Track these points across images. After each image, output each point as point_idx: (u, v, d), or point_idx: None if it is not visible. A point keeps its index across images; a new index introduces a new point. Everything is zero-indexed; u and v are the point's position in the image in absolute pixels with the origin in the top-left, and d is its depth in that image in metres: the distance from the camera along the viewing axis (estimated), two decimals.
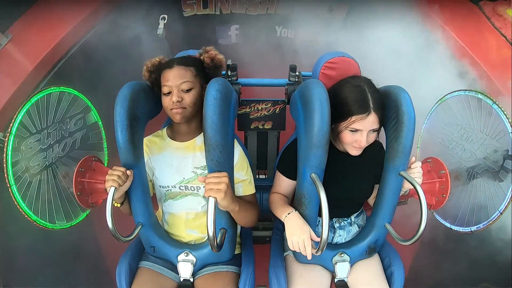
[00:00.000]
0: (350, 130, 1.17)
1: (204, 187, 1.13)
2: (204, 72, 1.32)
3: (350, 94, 1.16)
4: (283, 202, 1.29)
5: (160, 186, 1.36)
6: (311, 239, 1.15)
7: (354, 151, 1.21)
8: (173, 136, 1.37)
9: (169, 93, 1.26)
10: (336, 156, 1.26)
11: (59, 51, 1.89)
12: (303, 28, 2.47)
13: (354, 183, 1.32)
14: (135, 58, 1.73)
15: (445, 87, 1.56)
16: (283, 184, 1.33)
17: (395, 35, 1.95)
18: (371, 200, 1.40)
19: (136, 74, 1.39)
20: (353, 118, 1.14)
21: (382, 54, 1.91)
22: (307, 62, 1.58)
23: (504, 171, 1.34)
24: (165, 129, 1.41)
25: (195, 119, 1.32)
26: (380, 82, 1.25)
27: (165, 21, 2.11)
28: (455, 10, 2.10)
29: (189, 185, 1.33)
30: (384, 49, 1.94)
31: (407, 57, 1.92)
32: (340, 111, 1.16)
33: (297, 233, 1.15)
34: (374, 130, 1.18)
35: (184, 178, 1.33)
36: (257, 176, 1.92)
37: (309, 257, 1.14)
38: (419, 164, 1.24)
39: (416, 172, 1.22)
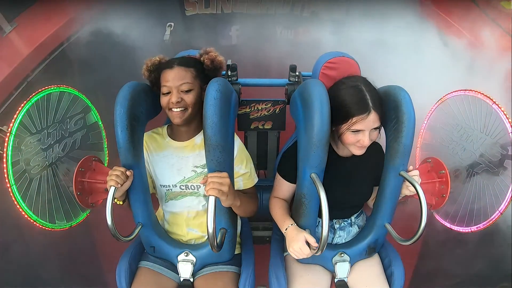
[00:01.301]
0: (352, 131, 1.16)
1: (204, 186, 1.13)
2: (204, 73, 1.32)
3: (348, 96, 1.16)
4: (283, 211, 1.30)
5: (161, 185, 1.36)
6: (308, 242, 1.16)
7: (358, 151, 1.20)
8: (173, 135, 1.38)
9: (168, 93, 1.26)
10: (336, 160, 1.27)
11: (55, 40, 1.96)
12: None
13: (354, 187, 1.32)
14: (130, 52, 1.79)
15: (445, 83, 1.55)
16: (284, 187, 1.33)
17: (396, 33, 1.98)
18: (370, 202, 1.41)
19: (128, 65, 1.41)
20: (354, 119, 1.14)
21: (384, 54, 1.93)
22: (307, 62, 1.58)
23: (504, 171, 1.34)
24: (165, 127, 1.41)
25: (195, 119, 1.32)
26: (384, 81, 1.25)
27: (172, 28, 2.23)
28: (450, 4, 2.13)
29: (190, 184, 1.33)
30: (385, 49, 1.95)
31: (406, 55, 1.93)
32: (339, 113, 1.15)
33: (292, 244, 1.17)
34: (375, 128, 1.17)
35: (184, 177, 1.33)
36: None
37: (309, 255, 1.15)
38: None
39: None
